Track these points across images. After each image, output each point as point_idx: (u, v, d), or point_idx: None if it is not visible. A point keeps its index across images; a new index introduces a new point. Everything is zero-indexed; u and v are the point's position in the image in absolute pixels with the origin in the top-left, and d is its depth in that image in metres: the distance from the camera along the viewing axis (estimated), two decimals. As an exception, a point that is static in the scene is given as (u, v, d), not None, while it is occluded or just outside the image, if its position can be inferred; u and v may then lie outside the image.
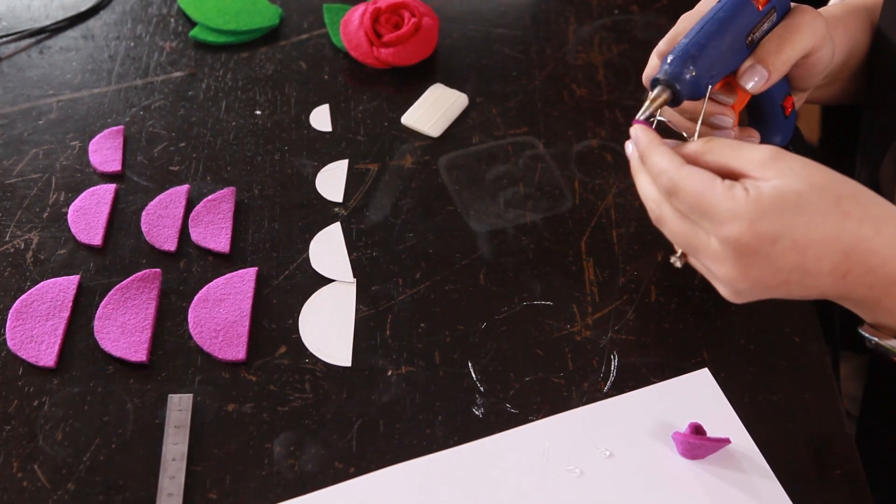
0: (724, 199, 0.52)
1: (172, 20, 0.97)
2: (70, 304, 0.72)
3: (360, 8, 0.92)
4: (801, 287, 0.54)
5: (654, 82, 0.61)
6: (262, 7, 0.97)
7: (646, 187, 0.58)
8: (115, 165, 0.82)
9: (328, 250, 0.77)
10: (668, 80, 0.60)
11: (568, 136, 0.86)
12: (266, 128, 0.87)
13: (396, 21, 0.91)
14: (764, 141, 0.70)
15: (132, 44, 0.94)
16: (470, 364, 0.70)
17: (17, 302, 0.72)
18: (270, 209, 0.80)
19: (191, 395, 0.67)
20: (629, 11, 0.99)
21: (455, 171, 0.83)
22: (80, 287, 0.74)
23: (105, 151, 0.83)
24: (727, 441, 0.63)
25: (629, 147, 0.59)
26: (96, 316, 0.71)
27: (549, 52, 0.95)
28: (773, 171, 0.53)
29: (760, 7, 0.62)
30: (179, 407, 0.67)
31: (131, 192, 0.81)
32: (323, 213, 0.80)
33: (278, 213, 0.80)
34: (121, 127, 0.86)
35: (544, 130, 0.87)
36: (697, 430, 0.64)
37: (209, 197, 0.80)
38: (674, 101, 0.61)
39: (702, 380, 0.69)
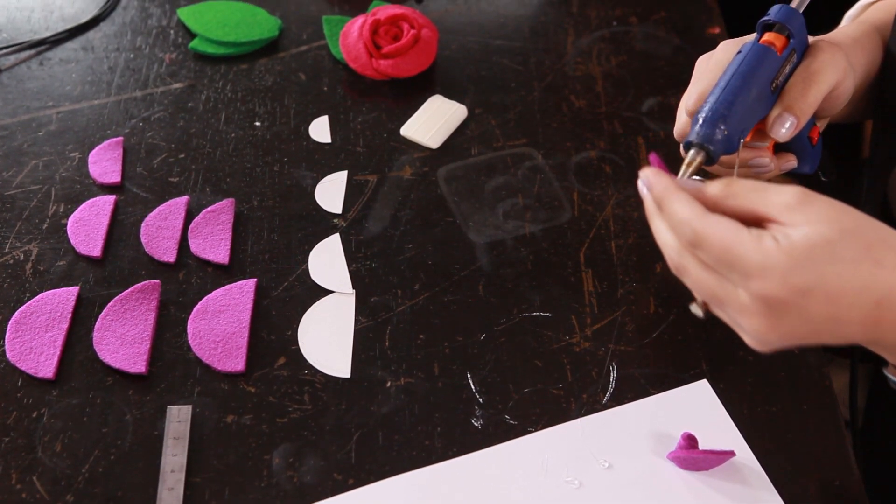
0: (753, 251, 0.50)
1: (172, 32, 0.97)
2: (69, 316, 0.72)
3: (360, 20, 0.92)
4: (831, 336, 0.52)
5: (688, 145, 0.60)
6: (262, 19, 0.97)
7: (664, 235, 0.55)
8: (114, 177, 0.83)
9: (327, 261, 0.77)
10: (702, 143, 0.59)
11: (567, 147, 0.87)
12: (265, 139, 0.87)
13: (395, 33, 0.92)
14: (794, 170, 0.70)
15: (132, 55, 0.95)
16: (469, 375, 0.70)
17: (17, 313, 0.72)
18: (270, 220, 0.80)
19: (190, 406, 0.67)
20: (627, 23, 1.00)
21: (454, 183, 0.84)
22: (79, 298, 0.74)
23: (104, 163, 0.84)
24: (731, 454, 0.63)
25: (642, 189, 0.57)
26: (95, 327, 0.71)
27: (547, 63, 0.95)
28: (802, 216, 0.50)
29: (780, 52, 0.61)
30: (178, 418, 0.66)
31: (131, 203, 0.81)
32: (322, 224, 0.80)
33: (277, 224, 0.80)
34: (120, 138, 0.86)
35: (543, 141, 0.87)
36: (690, 440, 0.64)
37: (208, 208, 0.80)
38: (708, 161, 0.60)
39: (701, 391, 0.69)
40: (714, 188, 0.54)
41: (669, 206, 0.54)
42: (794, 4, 0.63)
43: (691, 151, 0.60)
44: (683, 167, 0.60)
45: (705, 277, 0.53)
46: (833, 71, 0.63)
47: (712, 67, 0.65)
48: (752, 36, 0.63)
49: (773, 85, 0.62)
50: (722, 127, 0.59)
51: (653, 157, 0.58)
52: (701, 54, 0.84)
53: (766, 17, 0.62)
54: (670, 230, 0.54)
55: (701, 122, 0.60)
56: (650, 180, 0.56)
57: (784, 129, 0.62)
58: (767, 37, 0.62)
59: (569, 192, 0.83)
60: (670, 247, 0.55)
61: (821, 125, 0.70)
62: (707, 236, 0.51)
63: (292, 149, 0.86)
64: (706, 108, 0.60)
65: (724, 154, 0.60)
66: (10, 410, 0.67)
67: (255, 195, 0.82)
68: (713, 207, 0.53)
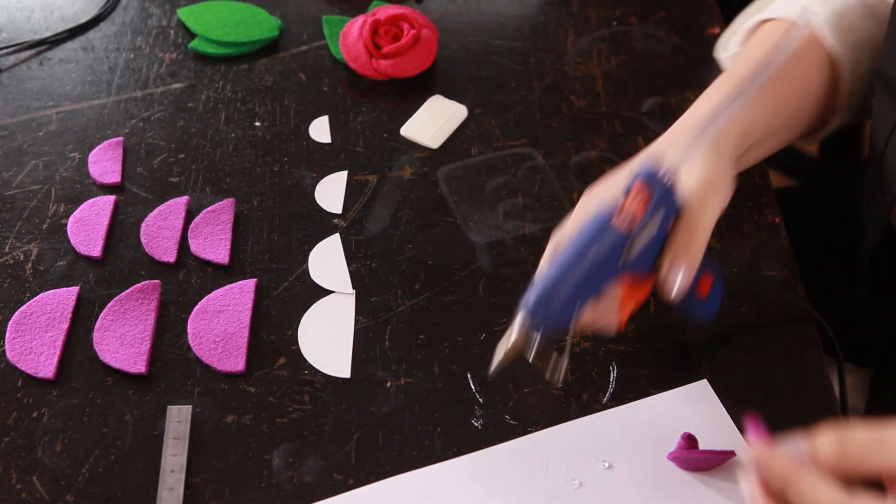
0: None
1: (172, 32, 0.97)
2: (69, 316, 0.72)
3: (360, 20, 0.92)
4: None
5: (517, 317, 0.59)
6: (262, 19, 0.97)
7: None
8: (114, 177, 0.83)
9: (327, 261, 0.77)
10: (530, 325, 0.59)
11: (567, 147, 0.87)
12: (265, 139, 0.87)
13: (395, 33, 0.92)
14: (688, 321, 0.68)
15: (132, 55, 0.95)
16: (469, 375, 0.70)
17: (17, 313, 0.72)
18: (270, 220, 0.80)
19: (190, 406, 0.67)
20: (627, 23, 1.00)
21: (454, 183, 0.84)
22: (79, 298, 0.74)
23: (104, 163, 0.84)
24: (732, 454, 0.63)
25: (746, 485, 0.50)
26: (95, 327, 0.71)
27: (547, 63, 0.95)
28: None
29: (639, 218, 0.59)
30: (178, 418, 0.66)
31: (131, 203, 0.81)
32: (322, 224, 0.80)
33: (277, 224, 0.80)
34: (120, 138, 0.86)
35: (543, 142, 0.87)
36: (690, 440, 0.64)
37: (208, 208, 0.80)
38: (540, 337, 0.60)
39: (701, 391, 0.69)
40: (826, 449, 0.48)
41: (803, 493, 0.47)
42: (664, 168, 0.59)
43: (519, 328, 0.59)
44: (505, 346, 0.60)
45: None
46: (713, 210, 0.62)
47: (564, 234, 0.63)
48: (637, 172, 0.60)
49: (623, 261, 0.59)
50: (549, 310, 0.58)
51: (752, 423, 0.52)
52: (701, 54, 0.85)
53: (636, 173, 0.59)
54: None
55: (529, 303, 0.59)
56: (766, 461, 0.49)
57: (677, 285, 0.60)
58: (631, 194, 0.59)
59: (569, 192, 0.83)
60: None
61: None
62: None
63: (292, 149, 0.86)
64: (536, 289, 0.59)
65: (555, 331, 0.60)
66: (10, 410, 0.67)
67: (255, 195, 0.82)
68: (832, 474, 0.47)
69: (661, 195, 0.59)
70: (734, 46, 0.80)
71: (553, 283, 0.58)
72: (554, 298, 0.58)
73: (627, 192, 0.59)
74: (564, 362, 0.63)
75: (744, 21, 0.80)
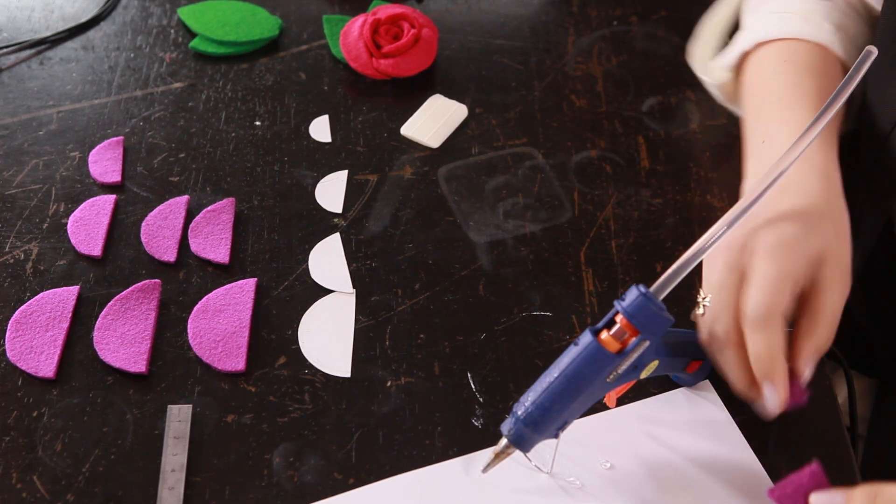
0: None
1: (172, 31, 0.97)
2: (69, 315, 0.72)
3: (360, 19, 0.92)
4: None
5: (503, 434, 0.59)
6: (262, 18, 0.97)
7: None
8: (114, 176, 0.83)
9: (328, 261, 0.77)
10: (514, 443, 0.59)
11: (567, 146, 0.87)
12: (266, 139, 0.87)
13: (396, 32, 0.92)
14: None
15: (132, 55, 0.95)
16: (469, 375, 0.70)
17: (17, 313, 0.72)
18: (270, 220, 0.80)
19: (190, 405, 0.67)
20: (628, 22, 1.00)
21: (454, 182, 0.84)
22: (79, 298, 0.74)
23: (105, 162, 0.84)
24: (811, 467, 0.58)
25: None
26: (96, 327, 0.71)
27: (548, 62, 0.95)
28: None
29: (626, 343, 0.57)
30: (179, 418, 0.66)
31: (131, 202, 0.81)
32: (322, 223, 0.80)
33: (278, 223, 0.80)
34: (121, 138, 0.86)
35: (543, 141, 0.87)
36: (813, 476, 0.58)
37: (209, 208, 0.80)
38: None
39: (703, 392, 0.69)
40: (859, 501, 0.51)
41: None
42: (653, 288, 0.57)
43: (505, 443, 0.59)
44: (494, 457, 0.59)
45: None
46: (840, 290, 0.59)
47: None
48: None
49: (612, 376, 0.58)
50: (537, 431, 0.58)
51: (816, 470, 0.55)
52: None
53: (619, 301, 0.57)
54: None
55: (514, 423, 0.58)
56: None
57: (805, 377, 0.60)
58: (615, 328, 0.57)
59: (569, 191, 0.83)
60: None
61: None
62: None
63: (292, 148, 0.86)
64: (524, 407, 0.58)
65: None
66: (11, 410, 0.67)
67: (255, 195, 0.82)
68: None
69: (649, 326, 0.57)
70: (728, 65, 0.78)
71: (542, 404, 0.58)
72: (542, 422, 0.58)
73: (610, 322, 0.58)
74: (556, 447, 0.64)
75: (726, 38, 0.78)
